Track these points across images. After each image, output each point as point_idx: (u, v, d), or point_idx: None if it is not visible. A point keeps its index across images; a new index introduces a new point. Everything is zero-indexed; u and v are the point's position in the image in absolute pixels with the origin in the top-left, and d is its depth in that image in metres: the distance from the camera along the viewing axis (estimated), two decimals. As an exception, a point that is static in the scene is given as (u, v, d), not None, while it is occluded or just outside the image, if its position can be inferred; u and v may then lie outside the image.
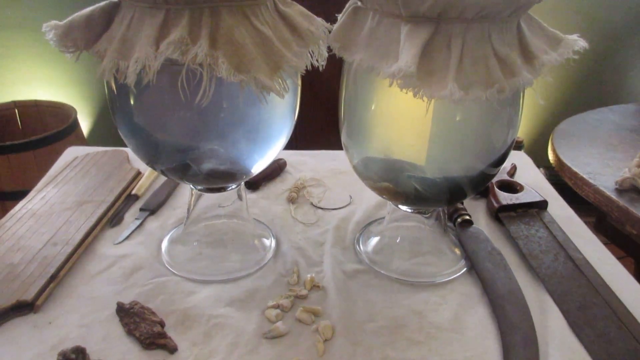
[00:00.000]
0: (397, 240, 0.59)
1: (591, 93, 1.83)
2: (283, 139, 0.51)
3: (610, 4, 1.68)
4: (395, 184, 0.51)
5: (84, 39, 0.43)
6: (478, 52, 0.40)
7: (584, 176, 0.88)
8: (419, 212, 0.56)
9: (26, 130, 1.66)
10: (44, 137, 1.43)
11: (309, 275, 0.53)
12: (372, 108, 0.48)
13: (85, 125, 1.81)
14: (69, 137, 1.50)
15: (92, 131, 1.84)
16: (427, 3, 0.38)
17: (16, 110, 1.66)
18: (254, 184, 0.71)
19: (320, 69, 0.49)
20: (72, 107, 1.61)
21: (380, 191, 0.53)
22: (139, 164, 0.74)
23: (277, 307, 0.49)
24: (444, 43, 0.40)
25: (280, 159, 0.76)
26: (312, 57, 0.48)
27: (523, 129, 1.87)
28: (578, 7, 1.69)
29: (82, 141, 1.59)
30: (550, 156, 1.01)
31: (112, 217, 0.62)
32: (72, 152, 0.78)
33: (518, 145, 1.78)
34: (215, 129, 0.46)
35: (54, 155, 0.77)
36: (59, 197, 0.64)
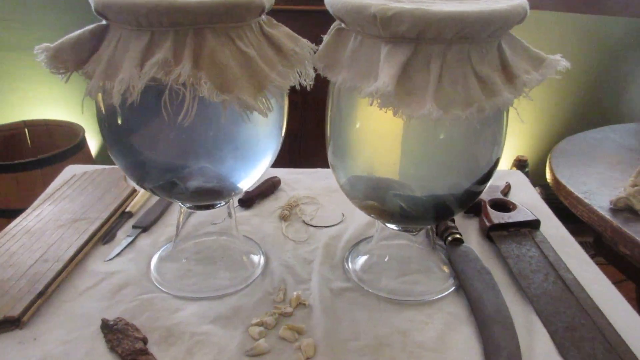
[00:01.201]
0: (386, 259, 0.59)
1: (597, 111, 1.82)
2: (269, 157, 0.52)
3: (608, 22, 1.68)
4: (380, 202, 0.51)
5: (74, 60, 0.44)
6: (457, 72, 0.41)
7: (579, 195, 0.87)
8: (406, 230, 0.56)
9: (36, 150, 1.69)
10: (51, 156, 1.45)
11: (295, 293, 0.53)
12: (356, 127, 0.48)
13: (93, 143, 1.84)
14: (77, 155, 1.52)
15: (102, 149, 1.87)
16: (406, 24, 0.39)
17: (26, 130, 1.70)
18: (248, 201, 0.71)
19: (308, 88, 0.50)
20: (81, 126, 1.64)
21: (367, 210, 0.53)
22: (135, 181, 0.75)
23: (260, 324, 0.49)
24: (423, 63, 0.41)
25: (275, 177, 0.77)
26: (300, 77, 0.49)
27: (528, 147, 1.86)
28: (577, 25, 1.69)
29: (89, 159, 1.61)
30: (548, 175, 1.00)
31: (105, 234, 0.63)
32: (70, 170, 0.79)
33: (522, 164, 1.77)
34: (201, 147, 0.47)
35: (62, 174, 0.79)
36: (54, 215, 0.65)
